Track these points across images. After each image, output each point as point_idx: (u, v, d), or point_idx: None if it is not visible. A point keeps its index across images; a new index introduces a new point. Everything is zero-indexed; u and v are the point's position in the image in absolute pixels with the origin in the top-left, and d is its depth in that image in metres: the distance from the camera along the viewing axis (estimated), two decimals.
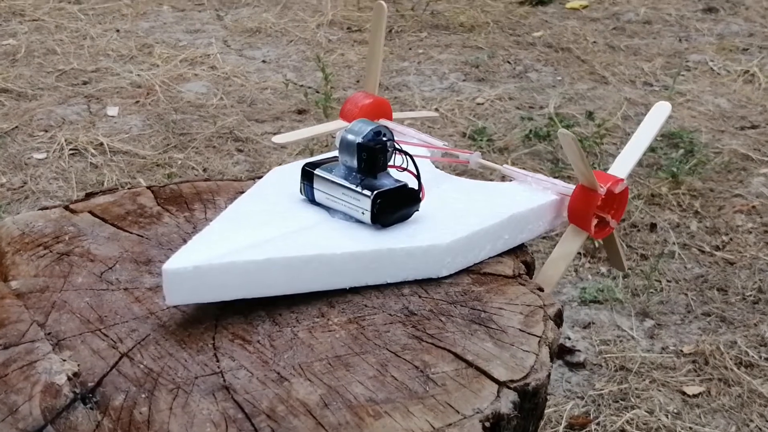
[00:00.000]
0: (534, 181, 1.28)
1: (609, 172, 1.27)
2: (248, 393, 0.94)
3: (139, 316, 1.05)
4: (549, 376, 1.00)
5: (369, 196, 1.12)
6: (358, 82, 3.51)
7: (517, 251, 1.22)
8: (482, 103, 3.38)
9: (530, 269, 1.21)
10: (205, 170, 2.88)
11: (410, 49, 3.89)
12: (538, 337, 1.04)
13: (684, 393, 2.07)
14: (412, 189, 1.15)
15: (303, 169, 1.18)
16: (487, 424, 0.91)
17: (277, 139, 1.37)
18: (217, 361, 0.98)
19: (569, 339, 2.21)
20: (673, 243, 2.58)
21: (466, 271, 1.16)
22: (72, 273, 1.13)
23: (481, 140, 3.06)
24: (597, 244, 2.53)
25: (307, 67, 3.68)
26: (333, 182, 1.15)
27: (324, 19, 4.17)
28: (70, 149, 2.98)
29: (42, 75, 3.55)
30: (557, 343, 1.05)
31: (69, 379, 0.94)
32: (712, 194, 2.82)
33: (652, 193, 2.79)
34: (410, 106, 3.32)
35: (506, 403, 0.94)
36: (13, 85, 3.42)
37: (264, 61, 3.75)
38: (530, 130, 3.09)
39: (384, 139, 1.14)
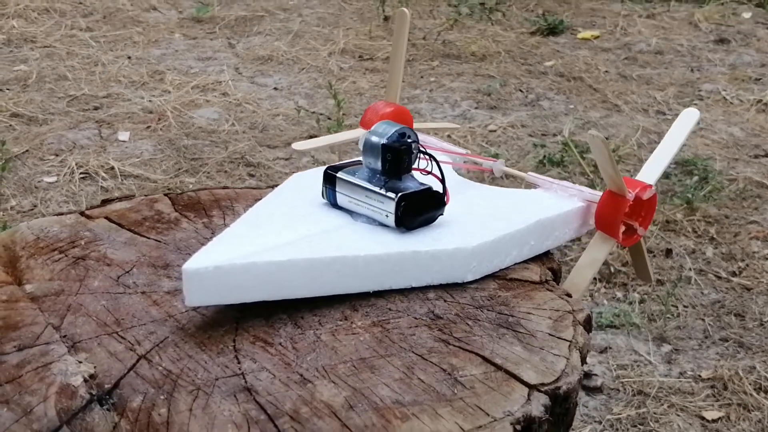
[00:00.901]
0: (560, 188, 1.26)
1: (637, 178, 1.24)
2: (270, 394, 0.91)
3: (157, 319, 1.02)
4: (580, 380, 0.97)
5: (393, 199, 1.09)
6: None
7: (543, 258, 1.20)
8: (495, 130, 3.37)
9: (557, 276, 1.18)
10: None
11: (422, 77, 3.88)
12: (568, 341, 1.01)
13: (703, 418, 2.03)
14: (437, 192, 1.13)
15: (325, 172, 1.16)
16: (518, 428, 0.89)
17: (297, 145, 1.35)
18: (238, 362, 0.96)
19: (586, 363, 2.18)
20: (689, 269, 2.55)
21: (492, 276, 1.14)
22: (88, 277, 1.10)
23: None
24: (612, 270, 2.50)
25: (319, 95, 3.67)
26: (356, 185, 1.13)
27: (336, 48, 4.16)
28: (81, 173, 2.96)
29: (53, 100, 3.53)
30: (587, 349, 1.03)
31: (85, 380, 0.92)
32: (727, 221, 2.79)
33: (667, 219, 2.76)
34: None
35: (537, 407, 0.91)
36: (24, 110, 3.41)
37: (276, 89, 3.74)
38: (544, 156, 3.07)
39: (409, 140, 1.12)
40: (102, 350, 0.97)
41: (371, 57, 4.09)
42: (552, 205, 1.22)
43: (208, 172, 2.99)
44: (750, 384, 2.11)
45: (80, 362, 0.94)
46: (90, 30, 4.32)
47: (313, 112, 3.44)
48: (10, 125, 3.29)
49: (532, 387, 0.93)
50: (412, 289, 1.09)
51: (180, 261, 1.12)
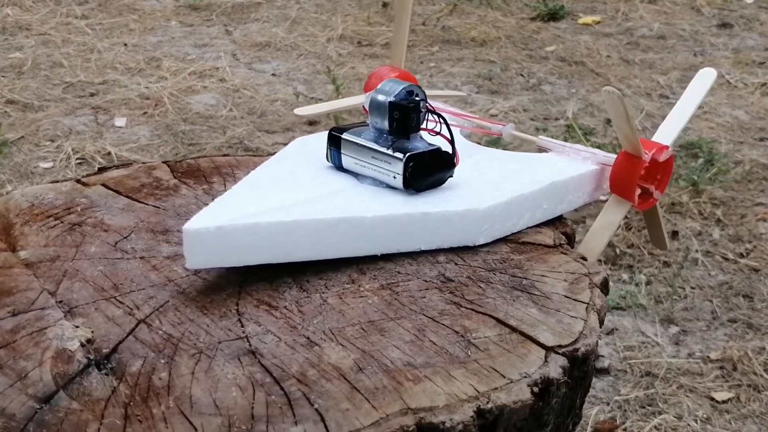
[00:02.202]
0: (572, 152, 1.21)
1: (653, 139, 1.20)
2: (276, 357, 0.87)
3: (156, 284, 0.98)
4: (598, 343, 0.93)
5: (401, 159, 1.05)
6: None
7: (556, 222, 1.16)
8: (496, 114, 3.32)
9: (571, 241, 1.14)
10: None
11: (422, 62, 3.84)
12: (585, 303, 0.97)
13: (713, 399, 1.99)
14: (447, 153, 1.09)
15: (330, 133, 1.12)
16: (536, 390, 0.85)
17: (300, 110, 1.31)
18: (242, 326, 0.92)
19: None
20: (696, 250, 2.51)
21: (504, 240, 1.10)
22: (84, 243, 1.06)
23: (493, 140, 3.00)
24: (618, 251, 2.47)
25: (318, 80, 3.62)
26: (362, 146, 1.09)
27: (334, 34, 4.12)
28: (77, 158, 2.92)
29: (48, 87, 3.49)
30: (605, 311, 0.99)
31: (82, 345, 0.88)
32: (733, 203, 2.75)
33: (673, 202, 2.72)
34: None
35: (555, 368, 0.87)
36: (20, 96, 3.36)
37: (274, 75, 3.70)
38: None
39: (417, 98, 1.08)
40: (99, 315, 0.93)
41: (370, 43, 4.05)
42: (565, 168, 1.18)
43: None
44: (760, 365, 2.07)
45: (77, 327, 0.91)
46: (85, 18, 4.27)
47: (312, 98, 3.40)
48: (6, 112, 3.24)
49: (549, 349, 0.89)
50: (422, 253, 1.05)
51: (180, 226, 1.08)
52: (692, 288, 2.36)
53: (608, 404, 1.97)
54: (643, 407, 1.96)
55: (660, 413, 1.94)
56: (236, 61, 3.82)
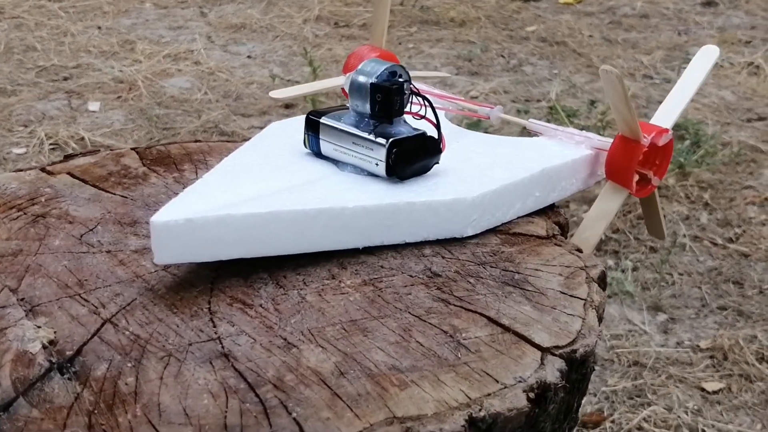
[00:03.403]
0: (565, 136, 1.15)
1: (651, 122, 1.14)
2: (251, 361, 0.80)
3: (123, 280, 0.92)
4: (597, 343, 0.87)
5: (384, 145, 0.99)
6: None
7: (549, 212, 1.09)
8: (477, 97, 3.26)
9: (564, 231, 1.08)
10: None
11: (400, 43, 3.77)
12: (582, 299, 0.91)
13: (703, 389, 1.94)
14: (432, 138, 1.02)
15: (307, 117, 1.05)
16: (532, 395, 0.78)
17: (275, 93, 1.24)
18: (214, 326, 0.85)
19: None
20: (684, 235, 2.46)
21: (494, 231, 1.03)
22: (48, 235, 0.99)
23: (479, 122, 2.93)
24: (603, 236, 2.41)
25: (294, 62, 3.56)
26: (342, 131, 1.02)
27: (311, 15, 4.05)
28: (50, 144, 2.85)
29: (21, 71, 3.41)
30: (603, 308, 0.92)
31: (44, 347, 0.81)
32: (721, 186, 2.70)
33: (659, 185, 2.66)
34: None
35: (552, 372, 0.81)
36: None
37: (249, 57, 3.63)
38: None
39: (401, 79, 1.01)
40: (63, 314, 0.86)
41: (347, 24, 3.98)
42: (558, 154, 1.12)
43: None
44: (752, 354, 2.02)
45: (39, 327, 0.84)
46: (59, 0, 4.18)
47: (289, 80, 3.34)
48: None
49: (545, 350, 0.83)
50: (406, 245, 0.99)
51: (148, 217, 1.01)
52: (680, 274, 2.31)
53: (595, 395, 1.92)
54: (632, 398, 1.91)
55: (649, 404, 1.88)
56: (211, 44, 3.75)
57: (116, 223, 1.02)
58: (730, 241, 2.45)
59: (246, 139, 1.16)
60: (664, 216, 2.43)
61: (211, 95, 3.23)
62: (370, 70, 1.00)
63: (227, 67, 3.49)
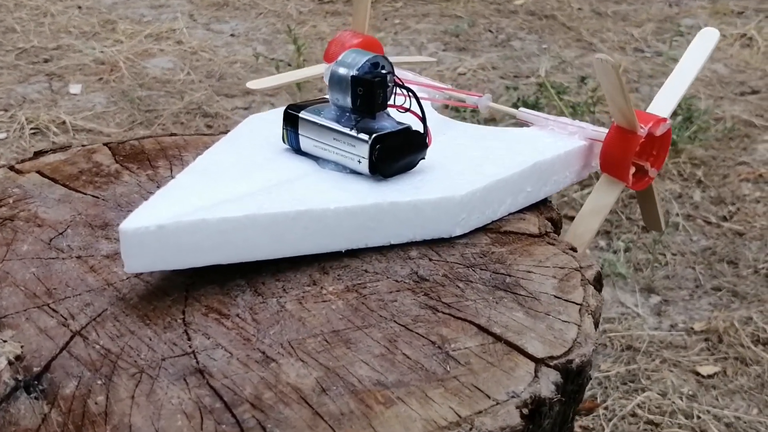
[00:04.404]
0: (557, 126, 1.10)
1: (649, 110, 1.09)
2: (227, 377, 0.76)
3: (94, 288, 0.87)
4: (595, 351, 0.82)
5: (366, 141, 0.94)
6: None
7: (541, 207, 1.04)
8: (464, 73, 3.21)
9: (557, 227, 1.03)
10: None
11: (386, 19, 3.72)
12: (577, 304, 0.86)
13: (698, 373, 1.90)
14: (418, 132, 0.97)
15: (286, 112, 1.00)
16: (525, 411, 0.74)
17: (253, 84, 1.19)
18: (189, 339, 0.80)
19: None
20: (677, 214, 2.41)
21: (483, 229, 0.98)
22: (16, 240, 0.94)
23: (464, 111, 2.88)
24: None
25: (278, 40, 3.50)
26: (322, 126, 0.97)
27: None
28: (31, 128, 2.79)
29: (1, 53, 3.35)
30: (600, 313, 0.88)
31: (10, 363, 0.76)
32: (714, 162, 2.66)
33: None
34: None
35: (547, 385, 0.76)
36: None
37: (232, 35, 3.57)
38: (518, 99, 2.91)
39: (383, 71, 0.96)
40: (31, 326, 0.81)
41: (332, 0, 3.92)
42: (550, 146, 1.07)
43: (164, 124, 2.83)
44: (747, 336, 1.98)
45: (4, 341, 0.79)
46: None
47: (272, 59, 3.28)
48: None
49: (539, 361, 0.78)
50: (392, 247, 0.94)
51: (120, 219, 0.96)
52: (673, 255, 2.26)
53: (588, 381, 1.87)
54: (625, 384, 1.87)
55: (643, 390, 1.84)
56: (193, 22, 3.69)
57: (87, 225, 0.97)
58: (724, 219, 2.41)
59: (224, 133, 1.11)
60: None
61: (193, 75, 3.17)
62: (352, 62, 0.95)
63: (210, 46, 3.43)
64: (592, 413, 1.81)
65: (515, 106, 2.81)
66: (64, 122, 2.82)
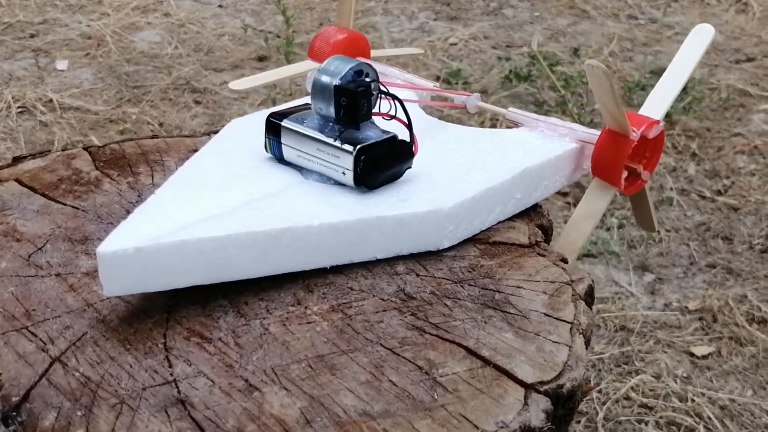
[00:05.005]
0: (547, 127, 1.07)
1: (641, 111, 1.06)
2: (209, 408, 0.74)
3: (73, 310, 0.85)
4: (586, 374, 0.80)
5: (351, 153, 0.91)
6: (321, 25, 3.29)
7: (531, 213, 1.02)
8: (456, 44, 3.17)
9: (547, 234, 1.01)
10: (161, 125, 2.66)
11: None
12: (568, 323, 0.84)
13: (692, 354, 1.88)
14: (403, 141, 0.94)
15: (267, 120, 0.97)
16: None
17: (235, 84, 1.16)
18: (170, 366, 0.78)
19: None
20: (671, 189, 2.39)
21: (472, 240, 0.96)
22: None
23: (456, 83, 2.85)
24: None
25: (267, 11, 3.45)
26: (305, 136, 0.94)
27: None
28: (18, 107, 2.75)
29: None
30: (591, 330, 0.86)
31: None
32: (709, 134, 2.63)
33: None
34: (379, 48, 3.10)
35: (537, 413, 0.74)
36: None
37: (220, 6, 3.52)
38: (510, 71, 2.88)
39: (367, 79, 0.93)
40: (9, 351, 0.79)
41: None
42: (540, 149, 1.04)
43: (152, 101, 2.79)
44: (742, 315, 1.96)
45: None
46: None
47: (261, 31, 3.24)
48: None
49: (528, 387, 0.76)
50: (378, 261, 0.92)
51: (101, 233, 0.95)
52: (667, 231, 2.24)
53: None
54: (619, 366, 1.85)
55: (637, 373, 1.83)
56: None
57: (66, 240, 0.95)
58: (719, 193, 2.39)
59: (207, 135, 1.09)
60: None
61: (181, 49, 3.13)
62: (334, 70, 0.92)
63: (198, 18, 3.38)
64: (586, 397, 1.80)
65: (508, 78, 2.79)
66: (51, 100, 2.78)
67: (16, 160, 1.10)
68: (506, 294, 0.87)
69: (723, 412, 1.73)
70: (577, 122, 2.55)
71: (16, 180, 1.05)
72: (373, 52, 1.26)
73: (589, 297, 0.89)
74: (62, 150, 1.12)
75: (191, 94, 2.84)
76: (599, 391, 1.80)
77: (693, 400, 1.75)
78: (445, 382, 0.76)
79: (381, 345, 0.80)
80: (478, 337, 0.81)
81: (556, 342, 0.81)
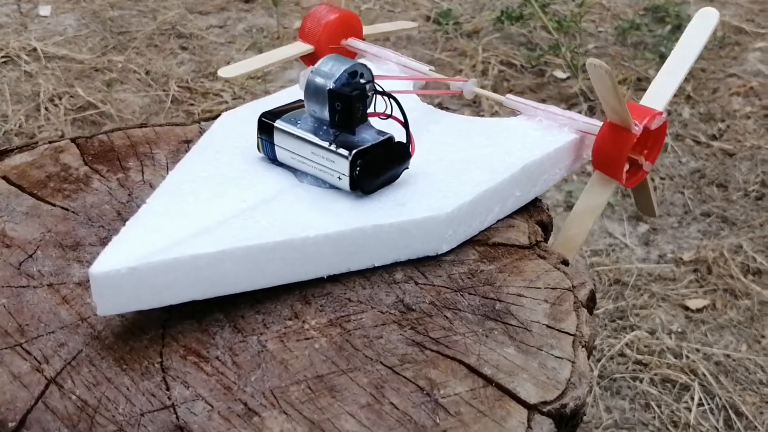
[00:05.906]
0: (546, 116, 1.05)
1: (643, 101, 1.04)
2: None
3: (67, 324, 0.83)
4: (590, 391, 0.79)
5: (347, 157, 0.89)
6: None
7: (530, 209, 1.00)
8: None
9: (547, 231, 0.99)
10: (147, 73, 2.63)
11: None
12: (571, 335, 0.82)
13: (687, 308, 1.88)
14: (400, 143, 0.92)
15: (260, 120, 0.95)
16: None
17: (224, 72, 1.13)
18: (168, 389, 0.77)
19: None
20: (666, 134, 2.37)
21: (471, 241, 0.94)
22: None
23: (446, 24, 2.82)
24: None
25: None
26: (299, 138, 0.92)
27: None
28: (2, 57, 2.72)
29: None
30: (594, 340, 0.84)
31: None
32: (704, 75, 2.60)
33: (639, 77, 2.56)
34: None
35: None
36: None
37: None
38: (501, 12, 2.84)
39: (362, 81, 0.91)
40: (4, 371, 0.78)
41: None
42: (539, 141, 1.02)
43: (138, 48, 2.75)
44: (737, 266, 1.96)
45: None
46: None
47: None
48: None
49: (531, 408, 0.75)
50: (376, 269, 0.90)
51: (92, 238, 0.93)
52: (662, 178, 2.23)
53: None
54: (613, 321, 1.85)
55: (632, 328, 1.83)
56: None
57: (57, 246, 0.93)
58: (714, 138, 2.37)
59: (197, 122, 1.06)
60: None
61: None
62: (328, 72, 0.90)
63: None
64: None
65: (500, 19, 2.74)
66: (35, 49, 2.74)
67: (3, 154, 1.08)
68: (507, 303, 0.86)
69: (718, 368, 1.74)
70: (570, 66, 2.54)
71: (4, 177, 1.03)
72: (365, 29, 1.23)
73: (590, 302, 0.87)
74: (48, 143, 1.09)
75: (177, 39, 2.81)
76: (594, 348, 1.79)
77: (688, 357, 1.75)
78: (447, 404, 0.75)
79: (381, 363, 0.79)
80: (479, 353, 0.80)
81: (558, 357, 0.80)
